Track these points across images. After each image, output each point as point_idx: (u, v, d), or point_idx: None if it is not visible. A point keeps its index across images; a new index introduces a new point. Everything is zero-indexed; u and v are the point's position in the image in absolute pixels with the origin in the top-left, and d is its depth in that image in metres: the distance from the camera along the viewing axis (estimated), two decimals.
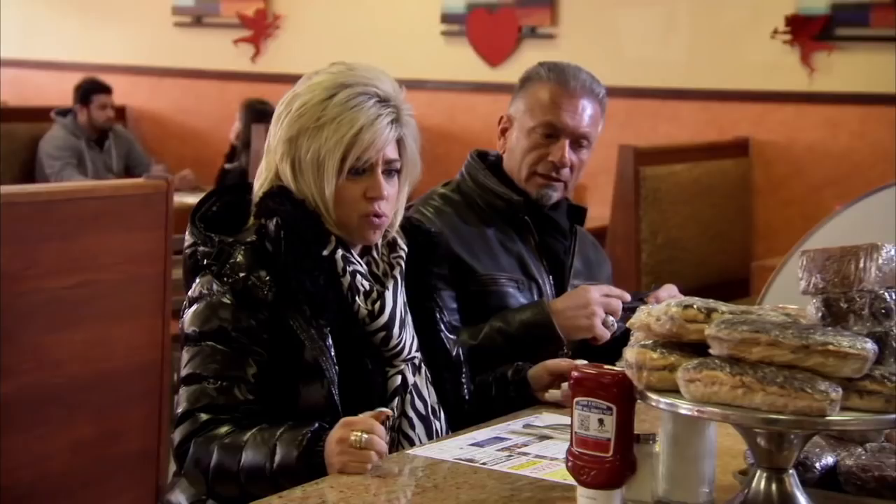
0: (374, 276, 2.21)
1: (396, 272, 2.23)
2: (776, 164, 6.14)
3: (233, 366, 2.06)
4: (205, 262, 2.12)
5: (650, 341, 1.74)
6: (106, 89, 7.14)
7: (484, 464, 2.01)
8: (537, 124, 2.71)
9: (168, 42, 7.69)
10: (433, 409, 2.23)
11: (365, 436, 1.92)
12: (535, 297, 2.71)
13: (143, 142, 7.50)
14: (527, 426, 2.24)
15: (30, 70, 8.10)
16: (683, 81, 6.32)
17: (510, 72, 6.72)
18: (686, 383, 1.67)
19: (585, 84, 2.73)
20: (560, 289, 2.77)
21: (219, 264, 2.10)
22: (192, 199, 2.55)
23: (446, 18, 6.88)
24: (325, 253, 2.13)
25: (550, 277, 2.77)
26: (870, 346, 1.64)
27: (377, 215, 2.16)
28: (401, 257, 2.25)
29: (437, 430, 2.23)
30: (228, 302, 2.08)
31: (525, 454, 2.07)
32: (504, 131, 2.79)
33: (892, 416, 1.64)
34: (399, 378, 2.18)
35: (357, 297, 2.14)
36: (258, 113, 6.60)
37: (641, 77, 6.39)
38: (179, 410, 2.08)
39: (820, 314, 1.73)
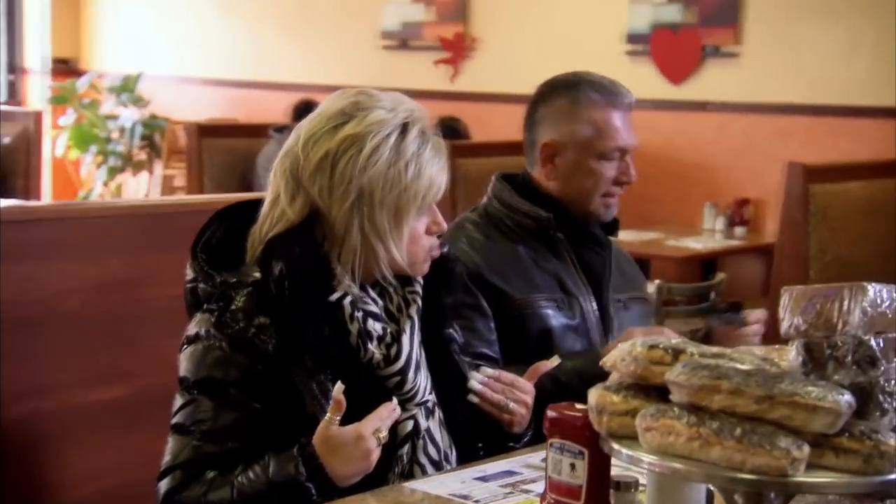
0: (388, 313, 1.97)
1: (412, 311, 1.98)
2: None
3: (222, 420, 1.84)
4: (205, 305, 1.91)
5: (614, 383, 1.50)
6: None
7: (477, 501, 1.78)
8: (612, 149, 2.48)
9: (377, 64, 7.68)
10: (445, 454, 1.98)
11: (384, 433, 1.80)
12: (576, 315, 2.46)
13: None
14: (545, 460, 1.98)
15: (256, 90, 8.24)
16: (866, 99, 5.86)
17: (692, 90, 6.40)
18: (643, 431, 1.43)
19: (629, 96, 2.53)
20: (599, 303, 2.52)
21: (219, 309, 1.88)
22: None
23: (631, 38, 6.61)
24: (332, 299, 1.88)
25: (591, 289, 2.51)
26: (845, 398, 1.35)
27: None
28: (417, 293, 2.00)
29: None
30: (223, 352, 1.85)
31: (527, 492, 1.82)
32: (552, 158, 2.51)
33: (870, 478, 1.35)
34: (411, 423, 1.93)
35: (369, 344, 1.90)
36: (448, 129, 6.48)
37: (823, 94, 5.98)
38: (163, 462, 1.87)
39: (801, 359, 1.44)
